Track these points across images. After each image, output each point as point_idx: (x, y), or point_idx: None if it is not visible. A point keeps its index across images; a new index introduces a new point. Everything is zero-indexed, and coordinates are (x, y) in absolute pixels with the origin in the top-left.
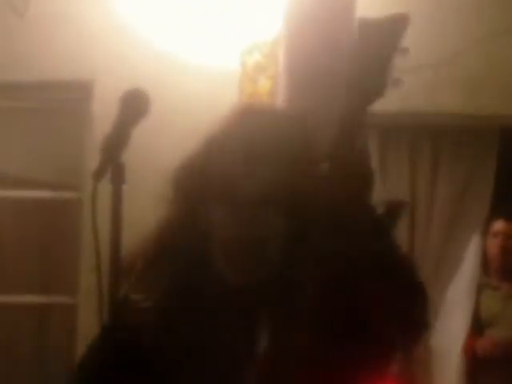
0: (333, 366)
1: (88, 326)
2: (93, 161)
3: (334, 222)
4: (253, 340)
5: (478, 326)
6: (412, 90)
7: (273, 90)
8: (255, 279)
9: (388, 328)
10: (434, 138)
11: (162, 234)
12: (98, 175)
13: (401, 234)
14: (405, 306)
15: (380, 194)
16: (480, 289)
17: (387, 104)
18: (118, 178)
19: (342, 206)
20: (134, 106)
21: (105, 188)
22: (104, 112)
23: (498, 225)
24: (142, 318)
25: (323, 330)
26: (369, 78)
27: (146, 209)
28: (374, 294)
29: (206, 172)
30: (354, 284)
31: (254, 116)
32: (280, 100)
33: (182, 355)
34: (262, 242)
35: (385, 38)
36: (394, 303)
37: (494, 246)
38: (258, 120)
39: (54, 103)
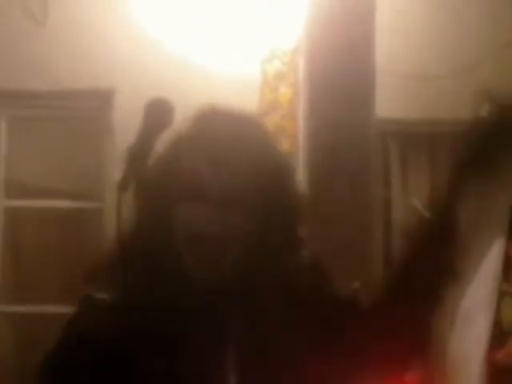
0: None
1: None
2: (114, 170)
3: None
4: (221, 336)
5: (499, 334)
6: (432, 98)
7: (293, 97)
8: (218, 276)
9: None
10: (453, 145)
11: (129, 233)
12: (123, 186)
13: None
14: None
15: (401, 201)
16: (500, 295)
17: (408, 112)
18: None
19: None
20: (158, 116)
21: (127, 197)
22: (125, 120)
23: None
24: (106, 316)
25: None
26: None
27: None
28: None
29: (173, 171)
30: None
31: (218, 117)
32: (301, 107)
33: (148, 351)
34: (225, 240)
35: None
36: None
37: None
38: (222, 120)
39: (74, 112)
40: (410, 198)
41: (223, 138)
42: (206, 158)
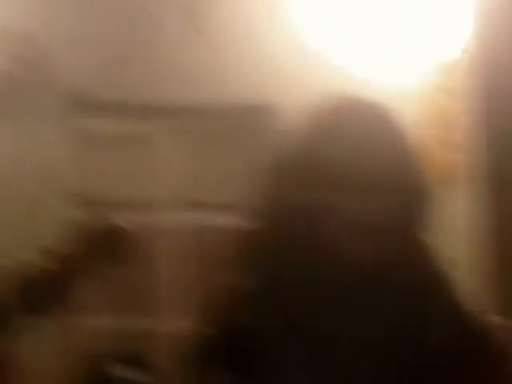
0: None
1: None
2: None
3: None
4: (372, 332)
5: None
6: None
7: (455, 110)
8: (370, 267)
9: None
10: None
11: (272, 223)
12: None
13: None
14: None
15: None
16: None
17: None
18: None
19: None
20: None
21: None
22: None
23: None
24: (247, 304)
25: None
26: None
27: None
28: None
29: (317, 163)
30: None
31: (351, 105)
32: (472, 121)
33: (288, 339)
34: (379, 227)
35: None
36: None
37: None
38: (356, 109)
39: (236, 126)
40: None
41: (361, 128)
42: (349, 147)
